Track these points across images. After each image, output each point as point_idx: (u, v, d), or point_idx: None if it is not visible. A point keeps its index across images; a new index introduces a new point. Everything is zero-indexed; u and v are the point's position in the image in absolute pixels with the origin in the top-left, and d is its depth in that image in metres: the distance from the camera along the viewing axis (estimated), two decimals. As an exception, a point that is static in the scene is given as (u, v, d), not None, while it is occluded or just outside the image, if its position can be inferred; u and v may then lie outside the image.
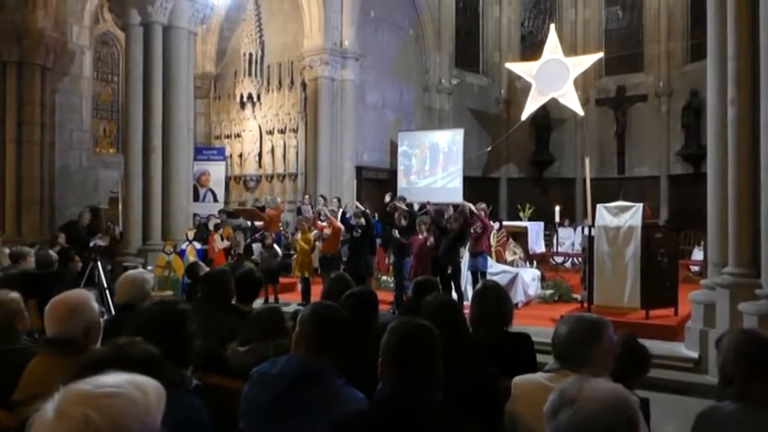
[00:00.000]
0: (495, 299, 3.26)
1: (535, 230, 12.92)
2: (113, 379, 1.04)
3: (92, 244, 10.04)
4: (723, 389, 2.21)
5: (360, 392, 2.20)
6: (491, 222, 9.57)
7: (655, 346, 6.54)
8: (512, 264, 10.32)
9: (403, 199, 10.56)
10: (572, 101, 15.37)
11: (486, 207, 9.18)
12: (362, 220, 9.20)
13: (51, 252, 7.18)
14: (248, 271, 4.37)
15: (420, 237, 8.54)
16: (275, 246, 9.99)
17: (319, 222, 9.96)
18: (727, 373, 2.17)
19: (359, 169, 15.09)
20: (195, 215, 11.83)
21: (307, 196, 13.41)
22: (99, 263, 8.11)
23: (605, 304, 7.48)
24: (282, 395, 2.19)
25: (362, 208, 9.50)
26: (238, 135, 15.76)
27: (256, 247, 11.20)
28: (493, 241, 9.95)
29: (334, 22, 14.39)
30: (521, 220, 13.59)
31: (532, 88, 15.69)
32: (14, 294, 2.93)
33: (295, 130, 14.79)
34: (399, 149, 16.01)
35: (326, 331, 2.31)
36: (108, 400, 0.98)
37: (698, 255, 12.04)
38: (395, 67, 16.31)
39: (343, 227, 9.86)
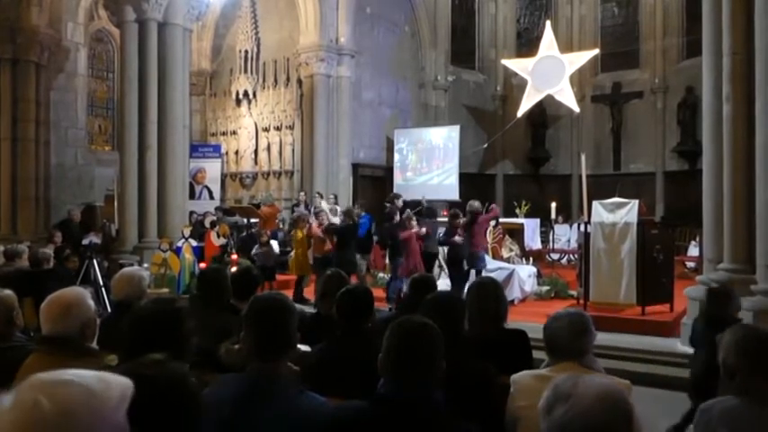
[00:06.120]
0: (492, 295, 3.26)
1: (531, 227, 12.92)
2: (79, 371, 1.03)
3: (86, 242, 10.03)
4: (725, 384, 2.22)
5: (320, 397, 1.98)
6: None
7: (650, 341, 6.65)
8: (508, 260, 10.33)
9: (398, 196, 10.48)
10: (568, 97, 15.36)
11: (481, 205, 9.08)
12: (337, 218, 8.97)
13: (46, 250, 7.17)
14: (246, 268, 4.34)
15: (412, 231, 8.55)
16: (271, 243, 9.97)
17: (314, 226, 9.82)
18: (729, 368, 2.18)
19: (355, 166, 15.06)
20: (191, 212, 11.81)
21: (303, 193, 13.41)
22: (95, 260, 8.10)
23: (601, 300, 7.51)
24: (228, 422, 1.88)
25: (356, 210, 9.29)
26: (234, 132, 15.71)
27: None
28: (489, 238, 9.94)
29: (330, 19, 14.35)
30: (517, 216, 13.57)
31: (528, 85, 15.67)
32: (8, 291, 2.93)
33: (291, 128, 14.76)
34: (395, 146, 16.00)
35: (277, 327, 2.01)
36: (62, 389, 0.97)
37: (693, 251, 12.07)
38: (391, 64, 16.28)
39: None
